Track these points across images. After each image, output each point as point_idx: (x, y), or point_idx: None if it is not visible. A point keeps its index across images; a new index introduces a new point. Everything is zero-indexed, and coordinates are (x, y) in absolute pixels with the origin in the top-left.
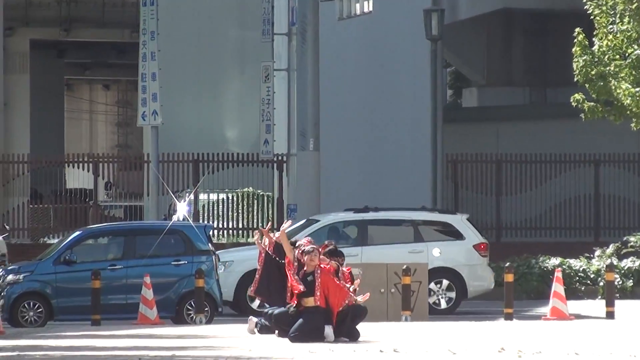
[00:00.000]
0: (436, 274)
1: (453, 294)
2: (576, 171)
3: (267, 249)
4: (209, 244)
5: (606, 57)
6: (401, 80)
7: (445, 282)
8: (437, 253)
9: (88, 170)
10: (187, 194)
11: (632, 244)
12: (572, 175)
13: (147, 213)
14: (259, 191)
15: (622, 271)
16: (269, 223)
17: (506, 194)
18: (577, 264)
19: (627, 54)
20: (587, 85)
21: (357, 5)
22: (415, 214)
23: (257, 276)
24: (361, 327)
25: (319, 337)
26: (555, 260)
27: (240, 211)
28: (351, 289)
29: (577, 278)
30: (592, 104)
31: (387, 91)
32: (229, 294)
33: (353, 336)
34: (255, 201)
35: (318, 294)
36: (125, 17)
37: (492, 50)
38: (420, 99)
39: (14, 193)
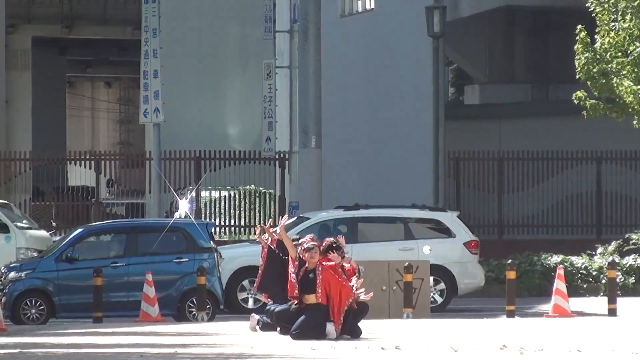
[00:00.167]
0: None
1: (444, 292)
2: (578, 169)
3: (269, 245)
4: (211, 242)
5: (608, 54)
6: (403, 78)
7: (435, 280)
8: (427, 250)
9: (90, 168)
10: (189, 192)
11: (634, 241)
12: (574, 172)
13: (149, 210)
14: (260, 189)
15: (624, 268)
16: (270, 220)
17: (508, 192)
18: (579, 261)
19: (629, 52)
20: (589, 83)
21: (359, 2)
22: (406, 212)
23: (259, 272)
24: (363, 324)
25: (321, 334)
26: (557, 258)
27: (242, 209)
28: (354, 287)
29: (579, 275)
30: (594, 101)
31: (389, 88)
32: None
33: (355, 333)
34: (257, 199)
35: (319, 291)
36: (127, 14)
37: (494, 48)
38: (422, 96)
39: (15, 190)
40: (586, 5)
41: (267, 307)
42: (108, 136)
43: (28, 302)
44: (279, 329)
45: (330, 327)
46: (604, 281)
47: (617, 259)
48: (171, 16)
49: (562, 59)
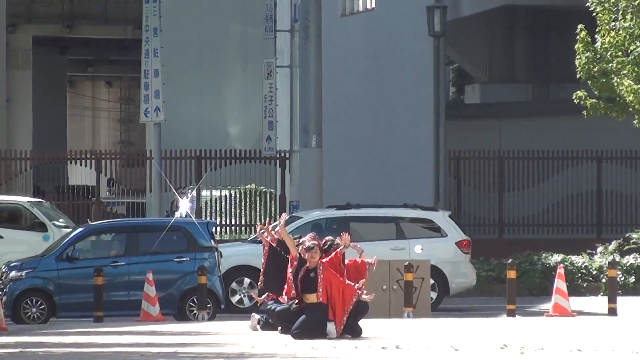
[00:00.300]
0: None
1: (435, 291)
2: (579, 168)
3: (271, 243)
4: (212, 241)
5: (609, 54)
6: (404, 77)
7: None
8: (419, 250)
9: (90, 167)
10: (190, 191)
11: (634, 240)
12: (574, 172)
13: (150, 210)
14: (261, 188)
15: (624, 268)
16: (268, 219)
17: (509, 191)
18: (579, 260)
19: (629, 51)
20: (589, 82)
21: (360, 1)
22: (397, 211)
23: (261, 269)
24: (363, 323)
25: (322, 334)
26: (557, 257)
27: (242, 208)
28: (356, 287)
29: (580, 275)
30: (594, 100)
31: (390, 88)
32: None
33: (355, 332)
34: (258, 198)
35: (320, 290)
36: (127, 13)
37: (495, 47)
38: (423, 96)
39: (16, 190)
40: (587, 4)
41: (268, 307)
42: (109, 135)
43: (29, 302)
44: (279, 328)
45: (331, 327)
46: (604, 280)
47: (617, 258)
48: (172, 15)
49: (563, 59)
